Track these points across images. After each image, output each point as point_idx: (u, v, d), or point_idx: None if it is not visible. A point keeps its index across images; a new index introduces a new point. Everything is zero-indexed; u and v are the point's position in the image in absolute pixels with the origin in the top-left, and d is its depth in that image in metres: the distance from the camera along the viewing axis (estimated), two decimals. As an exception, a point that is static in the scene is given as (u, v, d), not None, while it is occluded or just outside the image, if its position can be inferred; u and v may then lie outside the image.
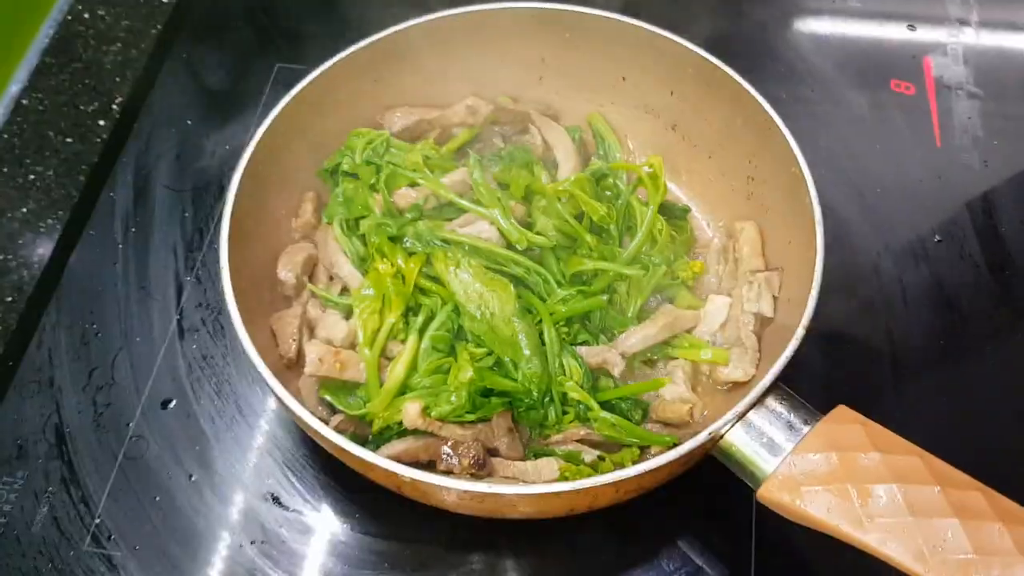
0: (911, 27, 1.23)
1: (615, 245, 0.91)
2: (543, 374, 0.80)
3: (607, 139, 1.01)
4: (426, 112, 0.99)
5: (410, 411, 0.78)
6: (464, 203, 0.89)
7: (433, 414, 0.78)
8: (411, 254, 0.86)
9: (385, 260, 0.85)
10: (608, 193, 0.94)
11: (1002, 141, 1.11)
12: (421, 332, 0.83)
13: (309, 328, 0.87)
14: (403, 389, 0.81)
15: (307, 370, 0.80)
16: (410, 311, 0.85)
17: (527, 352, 0.80)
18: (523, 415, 0.82)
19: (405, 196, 0.91)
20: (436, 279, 0.85)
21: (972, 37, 1.22)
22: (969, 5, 1.25)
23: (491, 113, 0.99)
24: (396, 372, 0.80)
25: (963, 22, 1.23)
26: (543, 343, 0.82)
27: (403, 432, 0.80)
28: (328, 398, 0.82)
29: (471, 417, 0.79)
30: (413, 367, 0.81)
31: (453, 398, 0.78)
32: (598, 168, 0.95)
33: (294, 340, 0.84)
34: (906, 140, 1.12)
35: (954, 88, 1.16)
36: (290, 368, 0.84)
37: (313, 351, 0.80)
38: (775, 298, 0.86)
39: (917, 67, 1.18)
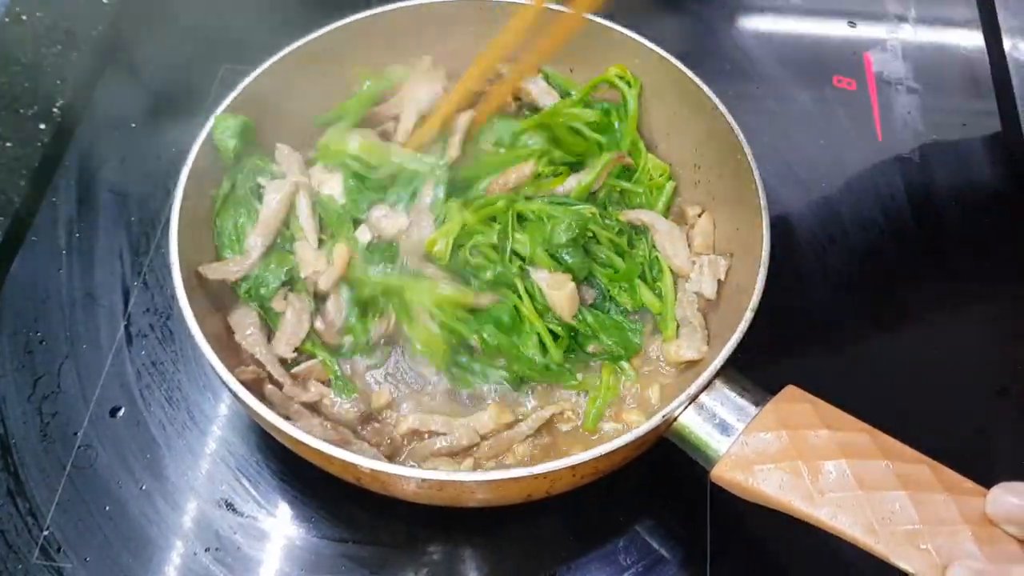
0: (851, 24, 1.26)
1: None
2: None
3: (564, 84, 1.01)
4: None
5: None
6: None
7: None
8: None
9: None
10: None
11: (940, 135, 1.14)
12: None
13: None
14: None
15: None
16: None
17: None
18: None
19: None
20: None
21: (910, 33, 1.25)
22: (907, 1, 1.28)
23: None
24: None
25: (901, 18, 1.27)
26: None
27: None
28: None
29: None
30: None
31: None
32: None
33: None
34: (848, 135, 1.15)
35: (894, 83, 1.19)
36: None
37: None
38: (720, 282, 0.87)
39: (858, 63, 1.21)
